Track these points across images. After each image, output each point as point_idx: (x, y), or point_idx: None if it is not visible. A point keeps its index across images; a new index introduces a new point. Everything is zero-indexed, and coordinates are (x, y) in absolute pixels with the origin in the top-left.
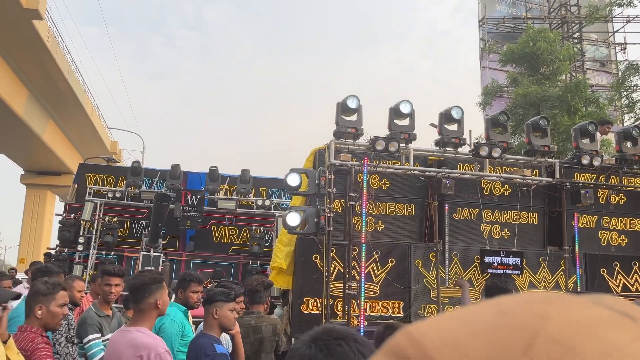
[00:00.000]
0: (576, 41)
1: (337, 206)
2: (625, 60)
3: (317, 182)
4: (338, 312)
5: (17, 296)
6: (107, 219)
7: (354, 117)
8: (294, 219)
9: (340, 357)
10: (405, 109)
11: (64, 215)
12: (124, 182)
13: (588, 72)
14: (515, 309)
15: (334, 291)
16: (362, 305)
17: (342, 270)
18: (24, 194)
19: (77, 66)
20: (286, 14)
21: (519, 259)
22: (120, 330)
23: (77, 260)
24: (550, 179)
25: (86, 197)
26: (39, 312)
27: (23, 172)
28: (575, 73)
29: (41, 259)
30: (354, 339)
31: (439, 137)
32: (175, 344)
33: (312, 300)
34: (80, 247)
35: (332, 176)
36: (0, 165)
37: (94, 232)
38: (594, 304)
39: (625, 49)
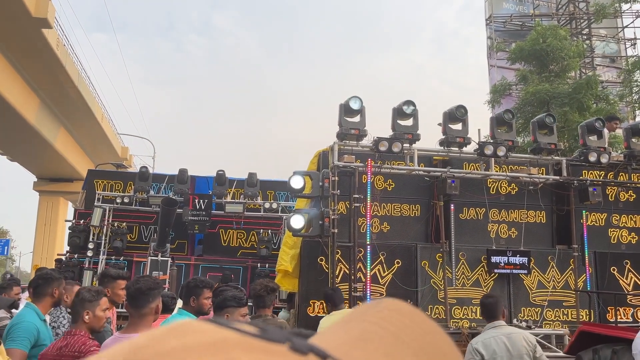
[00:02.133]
0: (585, 37)
1: (341, 208)
2: (635, 56)
3: (320, 184)
4: None
5: (13, 303)
6: (116, 224)
7: (357, 118)
8: (298, 222)
9: None
10: (408, 109)
11: (74, 221)
12: (132, 187)
13: (598, 68)
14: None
15: None
16: None
17: (347, 272)
18: (37, 200)
19: (86, 73)
20: (293, 17)
21: (527, 259)
22: (116, 337)
23: (87, 265)
24: (558, 177)
25: (95, 203)
26: (87, 317)
27: (36, 179)
28: (585, 69)
29: (54, 265)
30: None
31: (443, 137)
32: None
33: (318, 303)
34: (90, 253)
35: (336, 178)
36: (14, 172)
37: (104, 238)
38: (223, 326)
39: (635, 44)
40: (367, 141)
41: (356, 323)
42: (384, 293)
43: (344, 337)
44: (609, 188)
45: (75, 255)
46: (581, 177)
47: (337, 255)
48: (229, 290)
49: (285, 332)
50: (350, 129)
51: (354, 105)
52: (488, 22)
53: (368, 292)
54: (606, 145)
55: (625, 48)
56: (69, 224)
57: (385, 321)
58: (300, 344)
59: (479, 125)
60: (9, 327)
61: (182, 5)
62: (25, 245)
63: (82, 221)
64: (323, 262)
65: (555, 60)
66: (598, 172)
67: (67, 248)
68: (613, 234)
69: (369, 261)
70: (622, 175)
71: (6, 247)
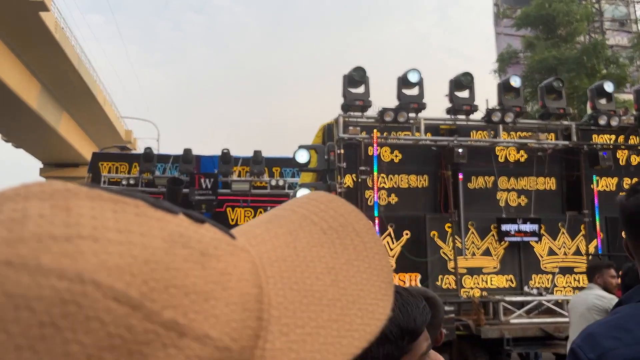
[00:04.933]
0: (594, 1)
1: (348, 181)
2: None
3: (326, 157)
4: None
5: None
6: None
7: (361, 89)
8: None
9: None
10: (413, 77)
11: None
12: (138, 168)
13: (607, 32)
14: None
15: None
16: None
17: None
18: None
19: (86, 56)
20: None
21: (537, 226)
22: None
23: None
24: (567, 142)
25: (101, 186)
26: None
27: (42, 166)
28: (594, 34)
29: None
30: None
31: (450, 105)
32: None
33: None
34: None
35: (342, 151)
36: (20, 159)
37: None
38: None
39: None
40: (372, 112)
41: (273, 210)
42: (394, 265)
43: (254, 221)
44: (619, 152)
45: None
46: (591, 142)
47: None
48: None
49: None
50: (355, 100)
51: (358, 76)
52: None
53: None
54: (615, 108)
55: (635, 11)
56: None
57: (299, 206)
58: (169, 205)
59: (487, 96)
60: None
61: None
62: None
63: None
64: None
65: (562, 24)
66: (608, 136)
67: None
68: None
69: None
70: (632, 138)
71: None
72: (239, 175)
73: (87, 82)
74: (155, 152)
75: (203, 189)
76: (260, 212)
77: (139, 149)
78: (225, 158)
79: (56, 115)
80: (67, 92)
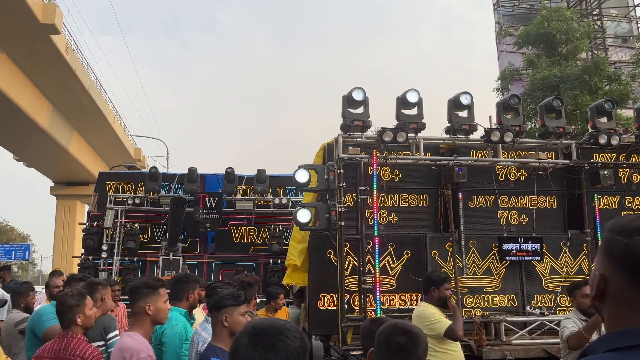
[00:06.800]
0: (596, 18)
1: (348, 200)
2: None
3: (326, 177)
4: (355, 307)
5: (3, 303)
6: (128, 225)
7: (360, 110)
8: (304, 216)
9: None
10: (412, 97)
11: (87, 223)
12: (143, 188)
13: (610, 49)
14: None
15: (349, 286)
16: (379, 298)
17: (356, 264)
18: (54, 205)
19: (96, 77)
20: (297, 8)
21: (539, 245)
22: (123, 335)
23: (102, 267)
24: (567, 161)
25: (107, 205)
26: (79, 319)
27: (52, 184)
28: (596, 51)
29: (74, 267)
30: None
31: (449, 125)
32: (180, 348)
33: (328, 296)
34: (104, 254)
35: (341, 170)
36: (31, 178)
37: (117, 239)
38: None
39: None
40: (371, 132)
41: None
42: (394, 284)
43: None
44: (620, 170)
45: (90, 257)
46: (592, 160)
47: (346, 248)
48: (224, 288)
49: None
50: (354, 120)
51: (357, 96)
52: (496, 6)
53: (377, 284)
54: (616, 127)
55: (637, 27)
56: (83, 226)
57: None
58: None
59: (490, 112)
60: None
61: (186, 3)
62: (46, 249)
63: (95, 223)
64: (332, 255)
65: (562, 42)
66: (609, 155)
67: (82, 250)
68: None
69: (377, 253)
70: (634, 156)
71: (27, 252)
72: (243, 194)
73: (97, 101)
74: (164, 169)
75: (207, 207)
76: (264, 230)
77: (149, 167)
78: (230, 177)
79: (67, 134)
80: (78, 111)
